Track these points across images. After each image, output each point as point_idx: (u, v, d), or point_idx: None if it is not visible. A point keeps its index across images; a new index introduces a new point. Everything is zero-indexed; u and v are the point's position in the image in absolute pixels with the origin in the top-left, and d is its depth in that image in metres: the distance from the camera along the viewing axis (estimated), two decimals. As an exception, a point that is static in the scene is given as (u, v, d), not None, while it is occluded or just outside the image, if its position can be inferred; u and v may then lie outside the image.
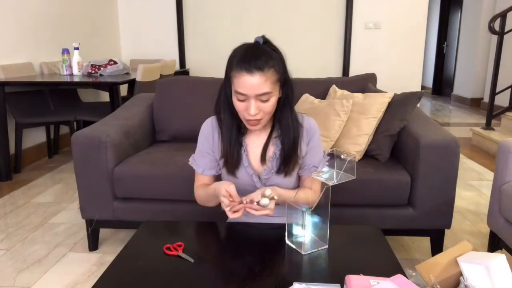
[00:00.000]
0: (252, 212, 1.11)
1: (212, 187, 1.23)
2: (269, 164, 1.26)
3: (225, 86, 1.20)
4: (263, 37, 1.17)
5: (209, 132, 1.29)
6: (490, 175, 3.17)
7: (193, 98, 2.29)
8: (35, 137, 3.53)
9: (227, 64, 1.16)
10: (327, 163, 1.33)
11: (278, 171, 1.26)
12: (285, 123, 1.22)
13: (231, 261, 1.11)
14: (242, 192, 1.29)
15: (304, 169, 1.30)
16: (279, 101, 1.20)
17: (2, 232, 2.24)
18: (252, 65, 1.09)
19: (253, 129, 1.21)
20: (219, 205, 1.32)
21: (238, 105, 1.16)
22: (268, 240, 1.20)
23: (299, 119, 1.27)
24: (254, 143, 1.27)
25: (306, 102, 2.16)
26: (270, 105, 1.15)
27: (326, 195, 1.07)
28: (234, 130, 1.24)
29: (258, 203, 1.11)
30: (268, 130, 1.27)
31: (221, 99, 1.23)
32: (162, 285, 0.98)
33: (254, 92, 1.11)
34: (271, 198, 1.11)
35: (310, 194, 1.25)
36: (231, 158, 1.24)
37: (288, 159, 1.24)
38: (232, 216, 1.12)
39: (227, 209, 1.13)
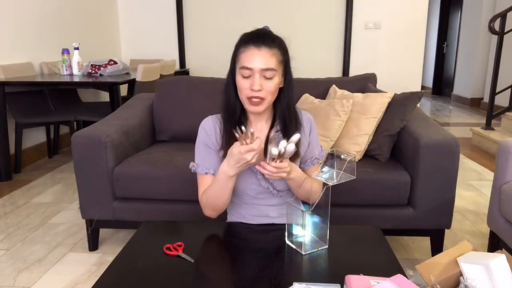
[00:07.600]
0: (268, 169, 1.08)
1: (216, 177, 1.19)
2: None
3: (231, 72, 1.20)
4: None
5: (210, 127, 1.26)
6: (490, 175, 3.17)
7: (193, 98, 2.29)
8: (35, 137, 3.53)
9: (234, 48, 1.18)
10: (326, 154, 1.33)
11: None
12: (285, 115, 1.22)
13: (231, 261, 1.11)
14: (244, 191, 1.28)
15: (307, 162, 1.30)
16: (280, 91, 1.20)
17: (2, 232, 2.24)
18: (260, 40, 1.14)
19: (254, 109, 1.17)
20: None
21: (242, 83, 1.15)
22: (268, 240, 1.20)
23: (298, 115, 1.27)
24: None
25: (306, 102, 2.16)
26: (273, 84, 1.15)
27: (326, 195, 1.07)
28: (236, 118, 1.22)
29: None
30: (269, 124, 1.26)
31: (228, 87, 1.21)
32: (162, 285, 0.98)
33: (260, 65, 1.12)
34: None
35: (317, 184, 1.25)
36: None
37: None
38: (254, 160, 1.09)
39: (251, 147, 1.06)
